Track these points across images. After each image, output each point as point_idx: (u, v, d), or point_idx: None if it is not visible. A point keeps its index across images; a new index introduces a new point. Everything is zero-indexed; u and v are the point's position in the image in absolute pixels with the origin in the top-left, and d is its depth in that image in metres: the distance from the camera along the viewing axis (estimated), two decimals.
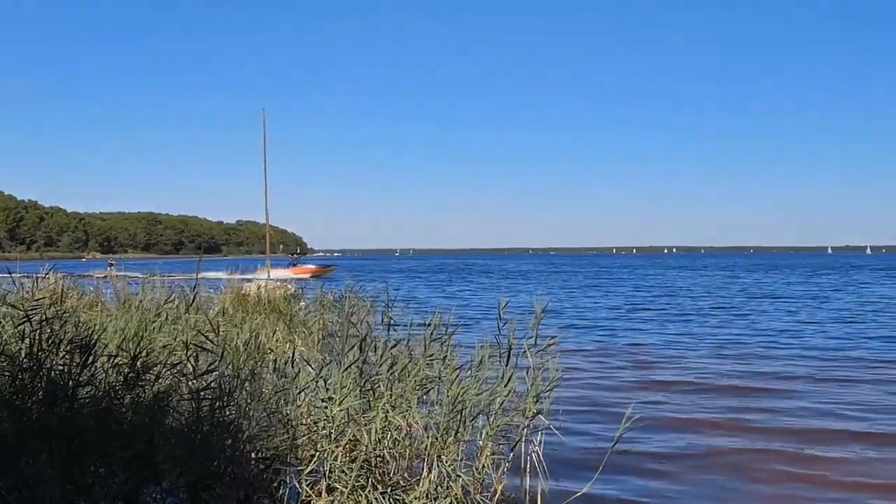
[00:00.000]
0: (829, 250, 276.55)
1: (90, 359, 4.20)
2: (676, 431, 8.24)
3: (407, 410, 4.73)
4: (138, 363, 4.36)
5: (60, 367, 4.12)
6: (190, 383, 4.50)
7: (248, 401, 4.74)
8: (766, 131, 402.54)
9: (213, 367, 4.65)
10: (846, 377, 11.78)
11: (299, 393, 4.81)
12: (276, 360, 5.36)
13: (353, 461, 4.34)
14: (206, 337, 4.96)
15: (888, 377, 11.79)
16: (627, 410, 4.54)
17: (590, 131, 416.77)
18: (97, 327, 5.84)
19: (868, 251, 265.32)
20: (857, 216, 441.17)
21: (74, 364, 4.11)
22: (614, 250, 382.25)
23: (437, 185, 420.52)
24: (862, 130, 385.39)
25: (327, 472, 4.26)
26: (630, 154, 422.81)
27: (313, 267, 58.31)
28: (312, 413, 4.64)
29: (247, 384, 4.86)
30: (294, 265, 55.60)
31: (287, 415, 4.60)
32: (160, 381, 4.59)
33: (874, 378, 11.68)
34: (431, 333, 5.46)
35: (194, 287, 7.87)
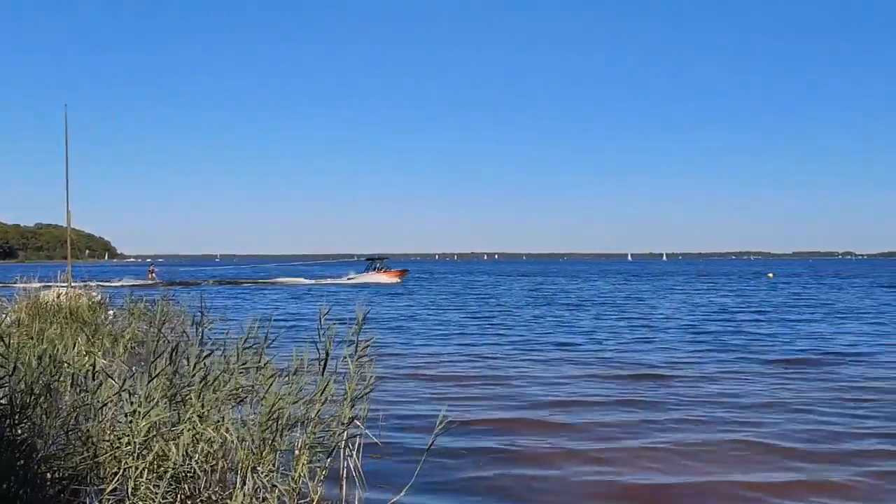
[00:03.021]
0: (630, 257, 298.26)
1: None
2: (490, 434, 8.57)
3: (219, 421, 4.59)
4: None
5: None
6: None
7: (44, 418, 4.42)
8: (577, 144, 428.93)
9: (2, 382, 4.30)
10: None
11: (102, 407, 4.54)
12: (74, 374, 5.02)
13: (160, 477, 4.15)
14: None
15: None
16: (441, 413, 4.66)
17: (410, 137, 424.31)
18: None
19: (664, 258, 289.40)
20: (654, 226, 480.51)
21: None
22: (437, 256, 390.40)
23: (266, 187, 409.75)
24: (651, 144, 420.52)
25: (130, 490, 4.05)
26: (453, 161, 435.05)
27: (399, 271, 60.94)
28: (116, 428, 4.39)
29: (42, 400, 4.52)
30: (381, 270, 57.34)
31: (87, 431, 4.33)
32: None
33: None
34: (244, 341, 5.34)
35: None
